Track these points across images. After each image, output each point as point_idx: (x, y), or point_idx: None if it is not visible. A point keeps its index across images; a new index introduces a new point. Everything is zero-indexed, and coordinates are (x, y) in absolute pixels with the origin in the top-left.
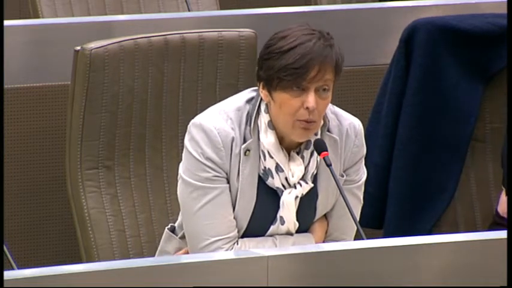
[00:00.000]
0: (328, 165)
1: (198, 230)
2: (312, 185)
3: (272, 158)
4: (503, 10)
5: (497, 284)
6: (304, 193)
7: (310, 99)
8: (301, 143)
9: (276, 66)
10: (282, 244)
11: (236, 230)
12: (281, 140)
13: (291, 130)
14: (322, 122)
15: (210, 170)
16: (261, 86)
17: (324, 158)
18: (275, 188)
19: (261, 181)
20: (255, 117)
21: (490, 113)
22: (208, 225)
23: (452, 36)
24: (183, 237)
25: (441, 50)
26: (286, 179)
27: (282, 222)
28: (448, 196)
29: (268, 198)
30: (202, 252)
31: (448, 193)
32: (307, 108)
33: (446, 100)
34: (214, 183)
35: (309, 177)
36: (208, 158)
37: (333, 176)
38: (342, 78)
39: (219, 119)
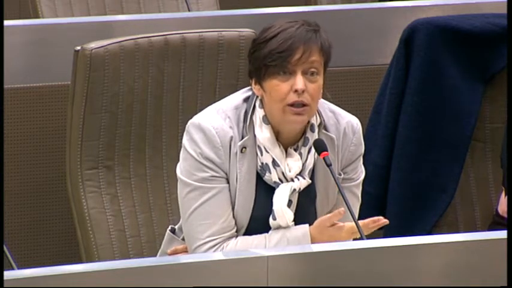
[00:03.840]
0: (328, 166)
1: (194, 230)
2: (310, 181)
3: (268, 152)
4: (503, 10)
5: (497, 284)
6: (301, 188)
7: (298, 81)
8: (298, 139)
9: (262, 54)
10: (270, 238)
11: (233, 230)
12: (277, 135)
13: (283, 117)
14: (318, 120)
15: (208, 170)
16: (253, 82)
17: (324, 158)
18: (272, 184)
19: (260, 178)
20: (251, 114)
21: (490, 113)
22: (203, 225)
23: (452, 36)
24: (184, 239)
25: (441, 50)
26: (283, 173)
27: (274, 217)
28: (448, 196)
29: (267, 196)
30: (197, 253)
31: (448, 193)
32: (296, 90)
33: (446, 100)
34: (211, 183)
35: (306, 173)
36: (206, 158)
37: (333, 176)
38: (341, 78)
39: (217, 119)
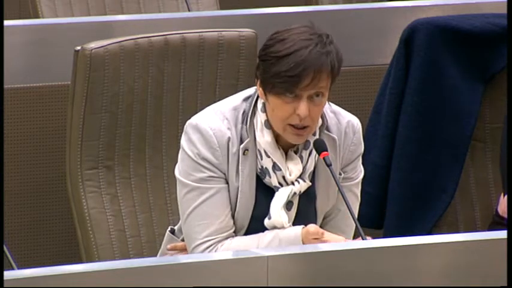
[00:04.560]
0: (328, 166)
1: (192, 230)
2: (310, 183)
3: (269, 157)
4: (503, 10)
5: (497, 284)
6: (302, 191)
7: (302, 107)
8: None
9: (271, 71)
10: (263, 238)
11: (231, 231)
12: (278, 138)
13: (283, 133)
14: (320, 122)
15: (205, 171)
16: (258, 83)
17: (324, 158)
18: (272, 187)
19: (259, 180)
20: (251, 116)
21: (490, 113)
22: (200, 225)
23: (452, 36)
24: (183, 240)
25: (441, 50)
26: (283, 177)
27: (269, 217)
28: (448, 196)
29: (266, 197)
30: (196, 253)
31: (448, 193)
32: (298, 115)
33: (446, 100)
34: (209, 183)
35: (306, 176)
36: (204, 159)
37: (332, 175)
38: (341, 78)
39: (215, 119)
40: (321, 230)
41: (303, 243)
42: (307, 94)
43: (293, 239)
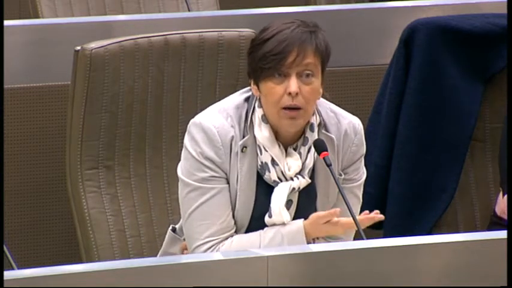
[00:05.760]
0: (328, 166)
1: (193, 230)
2: (309, 180)
3: (267, 151)
4: (503, 10)
5: (497, 284)
6: (301, 187)
7: (292, 83)
8: (297, 139)
9: (257, 56)
10: (265, 235)
11: (232, 231)
12: (277, 134)
13: (278, 120)
14: (318, 119)
15: (207, 170)
16: (252, 83)
17: (323, 158)
18: (272, 183)
19: (260, 178)
20: (251, 114)
21: (490, 113)
22: (202, 225)
23: (452, 36)
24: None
25: (441, 50)
26: (282, 172)
27: (270, 215)
28: (448, 196)
29: (267, 195)
30: (196, 253)
31: (448, 193)
32: (289, 93)
33: (446, 100)
34: (211, 183)
35: (306, 173)
36: (207, 158)
37: (332, 176)
38: (341, 78)
39: (218, 118)
40: (330, 211)
41: (308, 234)
42: (295, 71)
43: (296, 232)
